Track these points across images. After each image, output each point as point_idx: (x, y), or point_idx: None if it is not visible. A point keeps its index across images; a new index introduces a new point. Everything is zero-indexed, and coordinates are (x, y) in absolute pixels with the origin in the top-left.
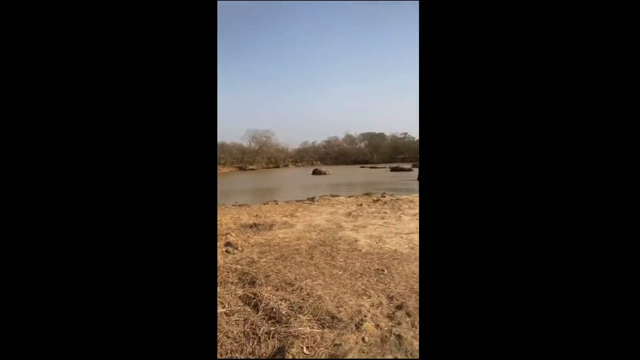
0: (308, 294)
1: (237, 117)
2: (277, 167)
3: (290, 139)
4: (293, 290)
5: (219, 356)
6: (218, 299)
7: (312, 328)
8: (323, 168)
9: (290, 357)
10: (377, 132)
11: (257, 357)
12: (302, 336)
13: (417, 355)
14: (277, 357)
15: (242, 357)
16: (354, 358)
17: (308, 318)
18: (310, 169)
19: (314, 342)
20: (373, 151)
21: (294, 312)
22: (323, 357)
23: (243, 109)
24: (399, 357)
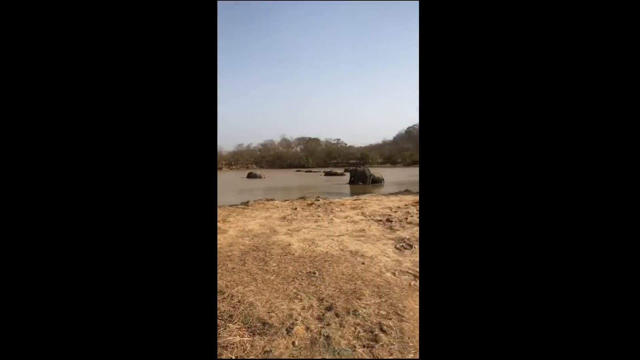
0: (239, 301)
1: None
2: None
3: (225, 141)
4: (223, 298)
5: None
6: None
7: (242, 337)
8: (258, 171)
9: None
10: (312, 137)
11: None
12: (231, 346)
13: (345, 353)
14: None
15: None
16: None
17: (238, 326)
18: (245, 173)
19: (243, 351)
20: (309, 155)
21: (223, 322)
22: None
23: None
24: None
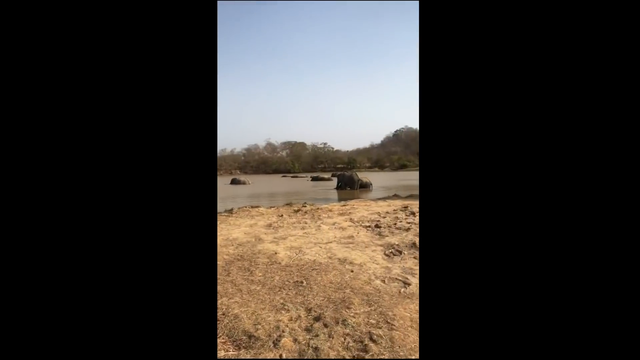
0: (224, 314)
1: None
2: None
3: None
4: None
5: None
6: None
7: (227, 351)
8: (242, 177)
9: None
10: (297, 141)
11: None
12: None
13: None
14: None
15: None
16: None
17: (223, 340)
18: (229, 179)
19: None
20: (295, 160)
21: None
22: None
23: None
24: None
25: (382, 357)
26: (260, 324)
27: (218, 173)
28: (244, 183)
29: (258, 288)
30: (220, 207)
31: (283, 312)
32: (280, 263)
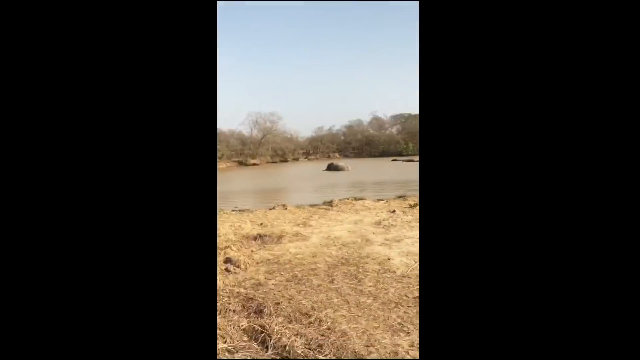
0: (329, 329)
1: (235, 98)
2: (285, 161)
3: (302, 124)
4: (310, 322)
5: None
6: (218, 330)
7: None
8: (341, 162)
9: None
10: (412, 113)
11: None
12: None
13: None
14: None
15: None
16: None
17: None
18: (325, 163)
19: None
20: (408, 139)
21: (311, 352)
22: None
23: (242, 87)
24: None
25: None
26: (373, 346)
27: (313, 157)
28: (342, 169)
29: (368, 301)
30: (317, 198)
31: (401, 334)
32: (394, 272)
